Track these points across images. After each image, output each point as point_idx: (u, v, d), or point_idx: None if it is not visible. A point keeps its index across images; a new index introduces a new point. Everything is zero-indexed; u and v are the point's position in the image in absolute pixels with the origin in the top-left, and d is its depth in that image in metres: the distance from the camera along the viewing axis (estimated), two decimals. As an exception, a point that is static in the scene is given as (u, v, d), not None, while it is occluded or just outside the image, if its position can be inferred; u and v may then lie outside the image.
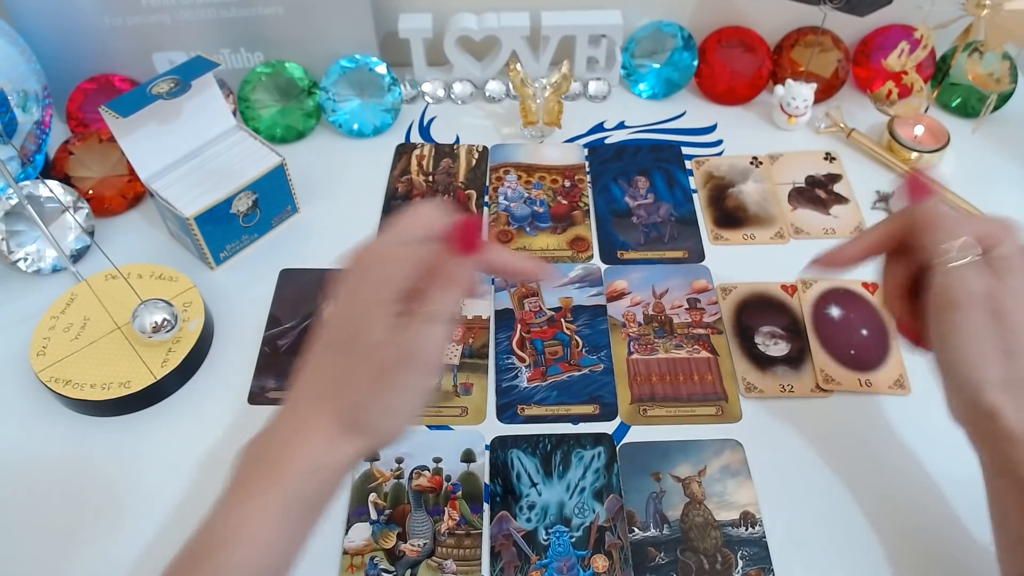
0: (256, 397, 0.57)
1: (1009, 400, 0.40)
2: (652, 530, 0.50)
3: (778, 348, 0.59)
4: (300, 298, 0.64)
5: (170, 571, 0.38)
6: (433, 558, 0.49)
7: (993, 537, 0.42)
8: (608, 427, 0.55)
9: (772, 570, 0.48)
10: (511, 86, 0.77)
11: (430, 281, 0.38)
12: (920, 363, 0.58)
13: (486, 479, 0.53)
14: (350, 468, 0.40)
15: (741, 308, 0.62)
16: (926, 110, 0.76)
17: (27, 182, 0.64)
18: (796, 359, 0.59)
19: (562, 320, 0.62)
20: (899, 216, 0.45)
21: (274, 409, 0.41)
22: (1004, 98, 0.77)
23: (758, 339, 0.60)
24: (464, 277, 0.39)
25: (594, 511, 0.51)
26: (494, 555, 0.49)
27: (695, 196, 0.72)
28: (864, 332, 0.60)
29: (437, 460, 0.54)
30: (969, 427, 0.43)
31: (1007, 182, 0.73)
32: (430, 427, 0.56)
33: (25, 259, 0.64)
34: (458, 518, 0.51)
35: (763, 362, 0.59)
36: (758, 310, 0.62)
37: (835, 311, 0.62)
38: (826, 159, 0.75)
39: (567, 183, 0.73)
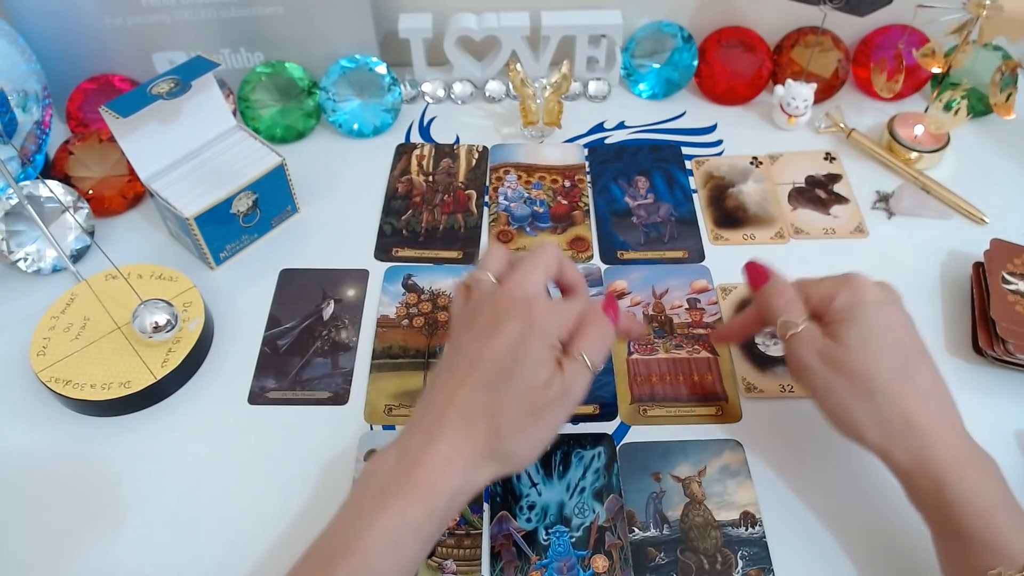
0: (256, 397, 0.57)
1: (887, 440, 0.44)
2: (652, 530, 0.50)
3: (778, 348, 0.59)
4: (300, 298, 0.64)
5: (301, 569, 0.40)
6: (433, 558, 0.49)
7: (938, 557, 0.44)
8: (608, 427, 0.55)
9: (772, 570, 0.48)
10: (511, 86, 0.77)
11: (581, 331, 0.44)
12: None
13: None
14: (480, 491, 0.43)
15: (741, 308, 0.62)
16: (926, 110, 0.76)
17: (27, 182, 0.64)
18: None
19: (562, 320, 0.62)
20: (754, 303, 0.51)
21: (405, 426, 0.44)
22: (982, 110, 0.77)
23: (758, 339, 0.60)
24: (611, 336, 0.46)
25: (594, 511, 0.51)
26: (494, 555, 0.49)
27: (695, 196, 0.72)
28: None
29: (437, 460, 0.54)
30: (890, 464, 0.45)
31: (1007, 182, 0.73)
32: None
33: (25, 259, 0.64)
34: (458, 518, 0.51)
35: (763, 362, 0.59)
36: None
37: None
38: (826, 159, 0.75)
39: (567, 183, 0.73)
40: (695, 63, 0.80)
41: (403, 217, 0.70)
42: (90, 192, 0.68)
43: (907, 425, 0.43)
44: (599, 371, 0.44)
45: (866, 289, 0.46)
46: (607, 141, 0.77)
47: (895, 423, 0.43)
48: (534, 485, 0.52)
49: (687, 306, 0.63)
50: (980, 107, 0.78)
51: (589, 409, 0.56)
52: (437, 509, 0.40)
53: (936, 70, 0.71)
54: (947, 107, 0.71)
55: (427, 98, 0.82)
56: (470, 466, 0.41)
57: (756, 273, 0.51)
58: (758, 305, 0.50)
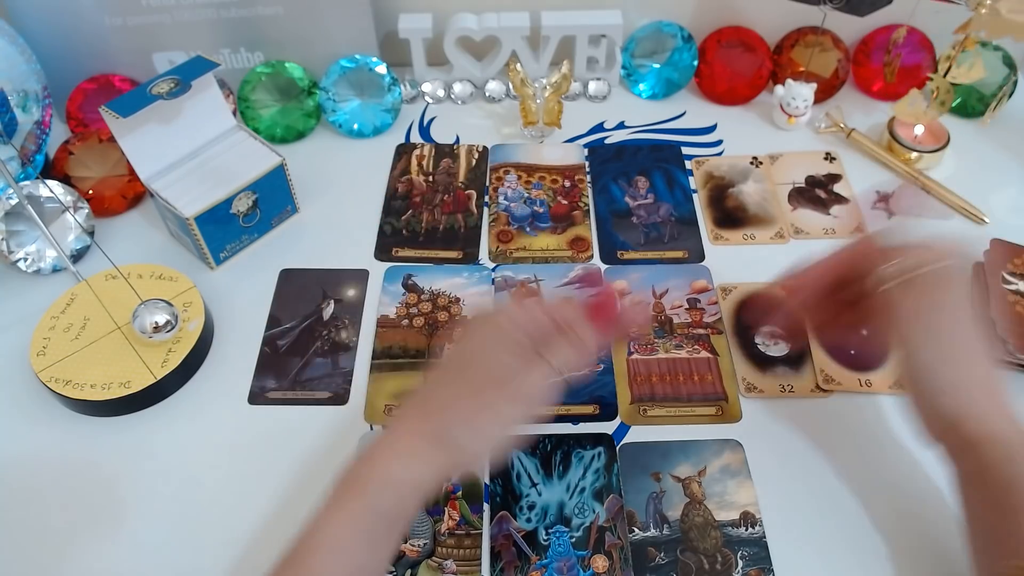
0: (256, 397, 0.57)
1: (964, 407, 0.43)
2: (652, 530, 0.50)
3: (778, 348, 0.59)
4: (300, 298, 0.64)
5: None
6: (433, 558, 0.49)
7: (969, 541, 0.44)
8: (608, 427, 0.55)
9: (772, 570, 0.48)
10: (511, 86, 0.77)
11: (559, 337, 0.43)
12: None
13: (486, 479, 0.53)
14: (431, 485, 0.41)
15: (741, 308, 0.62)
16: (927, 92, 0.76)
17: (27, 182, 0.64)
18: (796, 359, 0.59)
19: (562, 320, 0.62)
20: (844, 248, 0.49)
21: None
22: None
23: (758, 339, 0.60)
24: (591, 346, 0.43)
25: (594, 511, 0.51)
26: (494, 555, 0.49)
27: (695, 196, 0.72)
28: (864, 332, 0.60)
29: (437, 460, 0.54)
30: (943, 442, 0.44)
31: (1007, 182, 0.73)
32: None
33: (25, 259, 0.64)
34: (458, 518, 0.51)
35: (763, 362, 0.59)
36: (757, 311, 0.62)
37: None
38: (826, 159, 0.75)
39: (567, 183, 0.73)
40: (695, 63, 0.80)
41: (403, 217, 0.70)
42: (90, 192, 0.68)
43: (987, 395, 0.43)
44: (566, 377, 0.42)
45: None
46: (607, 141, 0.77)
47: (975, 392, 0.43)
48: (534, 485, 0.52)
49: (687, 306, 0.63)
50: (980, 107, 0.78)
51: (589, 409, 0.56)
52: (379, 505, 0.39)
53: (962, 81, 0.71)
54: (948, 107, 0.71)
55: (427, 98, 0.82)
56: (413, 456, 0.40)
57: (602, 311, 0.48)
58: (853, 252, 0.48)
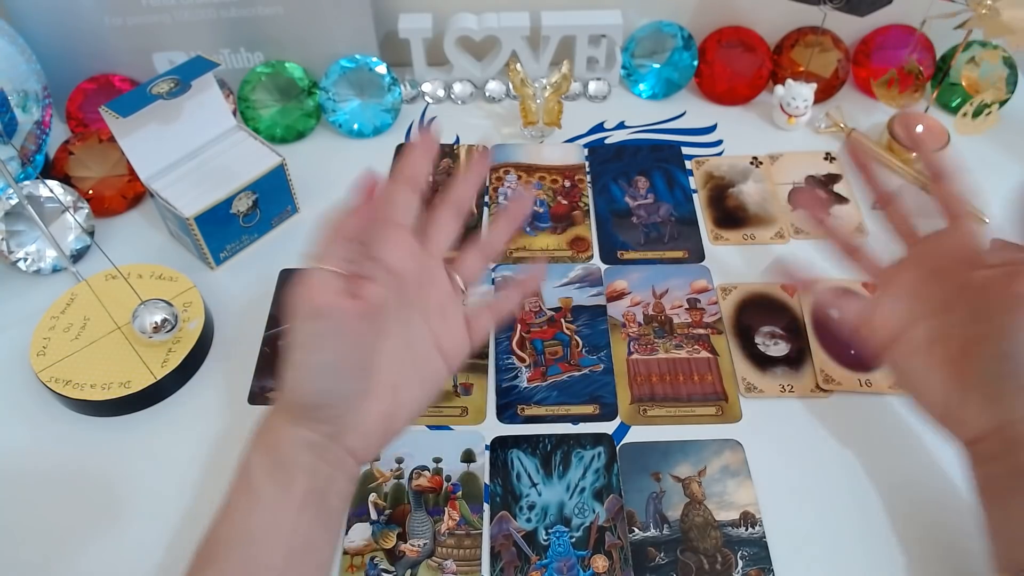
0: (256, 397, 0.57)
1: (997, 388, 0.42)
2: (652, 530, 0.50)
3: (778, 348, 0.59)
4: (300, 298, 0.64)
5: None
6: (433, 558, 0.49)
7: (991, 537, 0.43)
8: (608, 427, 0.55)
9: (772, 570, 0.48)
10: (511, 86, 0.77)
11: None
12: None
13: (486, 479, 0.53)
14: (302, 441, 0.38)
15: (741, 308, 0.62)
16: (926, 110, 0.76)
17: (27, 182, 0.64)
18: (796, 359, 0.59)
19: (562, 320, 0.62)
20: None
21: None
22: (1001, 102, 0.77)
23: (758, 339, 0.60)
24: (334, 224, 0.39)
25: (594, 511, 0.51)
26: (494, 555, 0.49)
27: (695, 196, 0.72)
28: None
29: (437, 460, 0.54)
30: (984, 445, 0.43)
31: (1007, 182, 0.72)
32: (430, 427, 0.56)
33: (25, 259, 0.64)
34: (458, 518, 0.51)
35: (763, 362, 0.59)
36: (758, 310, 0.62)
37: (835, 311, 0.61)
38: (826, 159, 0.75)
39: (567, 183, 0.73)
40: (695, 63, 0.80)
41: (403, 217, 0.70)
42: (90, 192, 0.68)
43: (1016, 375, 0.42)
44: (330, 267, 0.37)
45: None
46: (607, 141, 0.77)
47: (1007, 374, 0.43)
48: (534, 485, 0.52)
49: (687, 306, 0.63)
50: (980, 107, 0.77)
51: (589, 409, 0.56)
52: (255, 483, 0.38)
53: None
54: (977, 113, 0.71)
55: (427, 98, 0.82)
56: (269, 423, 0.39)
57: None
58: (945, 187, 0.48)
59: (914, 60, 0.74)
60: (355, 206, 0.40)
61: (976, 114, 0.71)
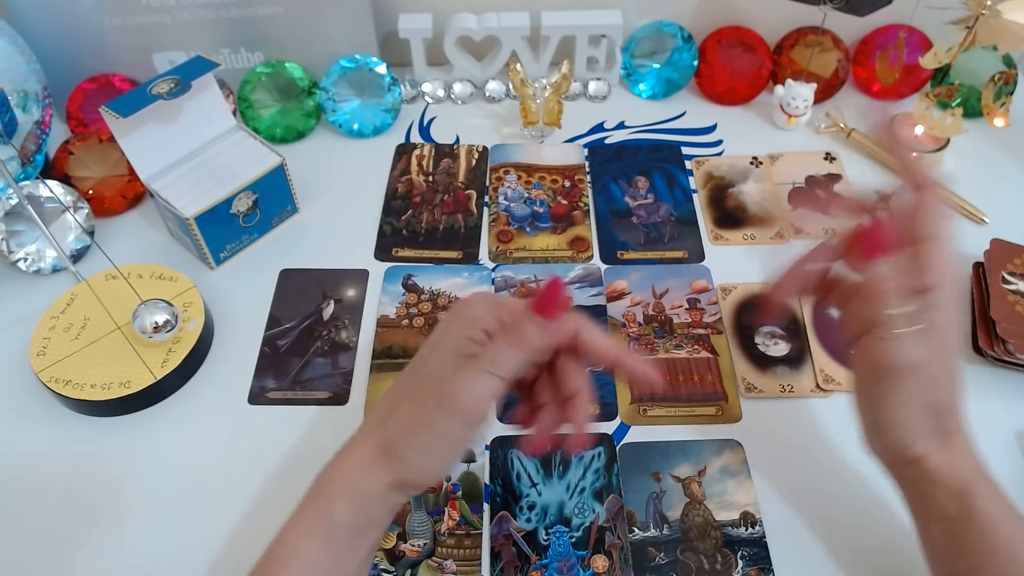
0: (256, 397, 0.58)
1: (934, 447, 0.41)
2: (652, 530, 0.50)
3: (778, 348, 0.59)
4: (300, 298, 0.64)
5: None
6: (433, 558, 0.49)
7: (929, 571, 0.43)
8: (608, 427, 0.55)
9: (772, 570, 0.48)
10: (511, 86, 0.77)
11: (498, 334, 0.39)
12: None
13: (486, 479, 0.53)
14: (389, 499, 0.39)
15: (741, 308, 0.62)
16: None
17: (27, 182, 0.64)
18: (796, 359, 0.59)
19: (562, 320, 0.62)
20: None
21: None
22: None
23: (758, 339, 0.60)
24: (531, 337, 0.38)
25: (594, 511, 0.51)
26: (494, 555, 0.49)
27: (695, 196, 0.72)
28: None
29: (437, 460, 0.54)
30: (889, 468, 0.43)
31: (1006, 182, 0.73)
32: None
33: (25, 259, 0.64)
34: (458, 518, 0.51)
35: (763, 362, 0.59)
36: (758, 311, 0.62)
37: (835, 311, 0.61)
38: (826, 159, 0.75)
39: (567, 183, 0.73)
40: (695, 63, 0.80)
41: (403, 217, 0.70)
42: (90, 192, 0.68)
43: (957, 429, 0.41)
44: (506, 378, 0.37)
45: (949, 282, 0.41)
46: (607, 141, 0.77)
47: (950, 426, 0.41)
48: (534, 485, 0.52)
49: (687, 306, 0.63)
50: (980, 107, 0.77)
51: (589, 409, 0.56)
52: (338, 516, 0.38)
53: (936, 65, 0.71)
54: (941, 105, 0.71)
55: (427, 98, 0.82)
56: (366, 466, 0.39)
57: (876, 241, 0.42)
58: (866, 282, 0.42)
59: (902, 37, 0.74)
60: (537, 321, 0.38)
61: (940, 106, 0.71)
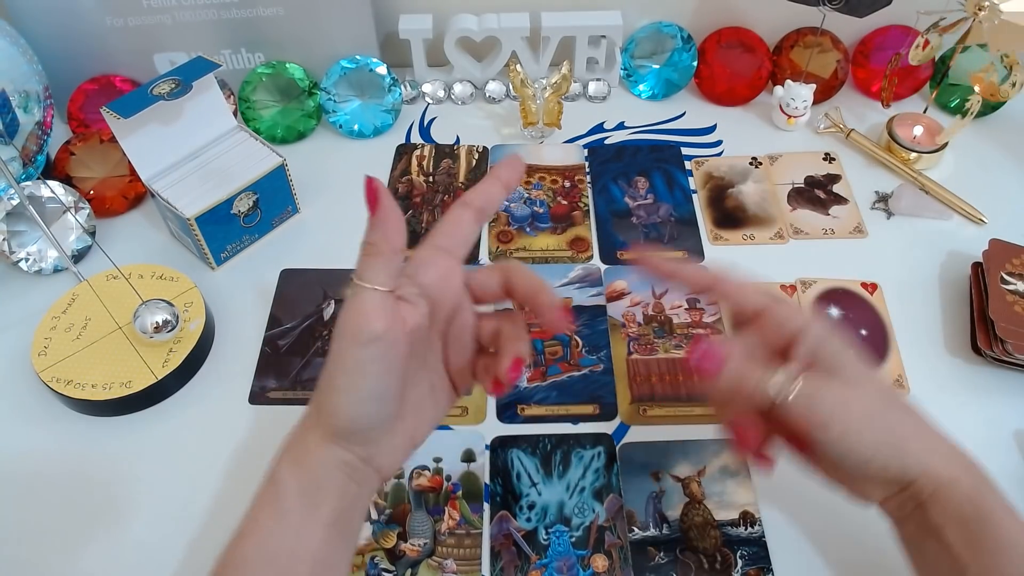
0: (257, 397, 0.58)
1: (925, 452, 0.39)
2: (652, 530, 0.50)
3: None
4: (301, 298, 0.64)
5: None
6: (433, 558, 0.49)
7: None
8: (608, 427, 0.56)
9: (771, 570, 0.48)
10: (511, 87, 0.78)
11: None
12: (919, 363, 0.58)
13: (486, 479, 0.53)
14: (331, 455, 0.37)
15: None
16: (925, 110, 0.76)
17: (28, 182, 0.64)
18: None
19: (562, 320, 0.62)
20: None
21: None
22: (992, 106, 0.77)
23: None
24: (369, 237, 0.37)
25: (594, 511, 0.51)
26: (494, 555, 0.50)
27: (695, 196, 0.72)
28: (863, 332, 0.60)
29: (437, 460, 0.54)
30: (894, 507, 0.41)
31: (1006, 182, 0.73)
32: (430, 427, 0.56)
33: (26, 259, 0.64)
34: (458, 518, 0.51)
35: None
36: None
37: (834, 311, 0.62)
38: (825, 160, 0.75)
39: (567, 183, 0.73)
40: (695, 64, 0.80)
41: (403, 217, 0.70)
42: (91, 192, 0.69)
43: (937, 434, 0.40)
44: (378, 287, 0.36)
45: (818, 320, 0.41)
46: (607, 141, 0.77)
47: (927, 433, 0.40)
48: (534, 485, 0.53)
49: (686, 306, 0.63)
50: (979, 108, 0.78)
51: (589, 409, 0.57)
52: (281, 477, 0.37)
53: (919, 61, 0.71)
54: (947, 107, 0.71)
55: (427, 99, 0.82)
56: (303, 428, 0.38)
57: (709, 361, 0.40)
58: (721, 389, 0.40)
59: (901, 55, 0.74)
60: (389, 217, 0.38)
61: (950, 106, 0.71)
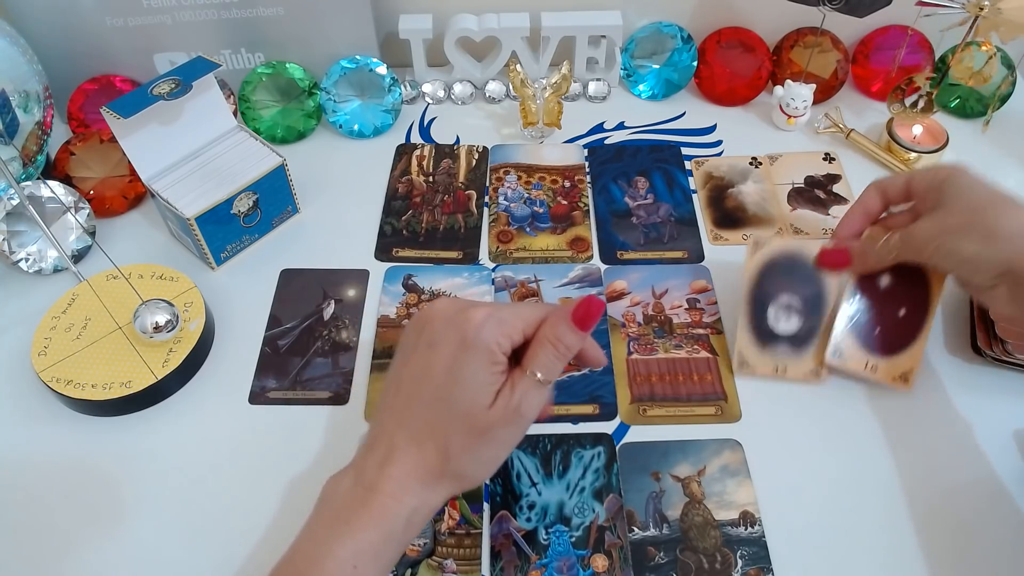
0: (256, 397, 0.58)
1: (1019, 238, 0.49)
2: (652, 530, 0.50)
3: (789, 324, 0.57)
4: (301, 298, 0.64)
5: None
6: (433, 557, 0.49)
7: None
8: (608, 427, 0.56)
9: (771, 570, 0.48)
10: (511, 87, 0.78)
11: (534, 342, 0.42)
12: (931, 365, 0.58)
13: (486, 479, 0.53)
14: (437, 508, 0.42)
15: (767, 270, 0.59)
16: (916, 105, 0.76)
17: (28, 182, 0.64)
18: (803, 338, 0.57)
19: (562, 320, 0.62)
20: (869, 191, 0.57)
21: (361, 446, 0.43)
22: (1004, 97, 0.77)
23: (771, 310, 0.58)
24: (572, 344, 0.42)
25: (594, 511, 0.51)
26: (494, 555, 0.50)
27: (695, 196, 0.72)
28: (901, 312, 0.57)
29: (437, 460, 0.54)
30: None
31: (1006, 182, 0.72)
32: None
33: (26, 259, 0.64)
34: (458, 517, 0.51)
35: (766, 338, 0.57)
36: (785, 275, 0.58)
37: (885, 280, 0.57)
38: (825, 160, 0.75)
39: (567, 183, 0.73)
40: (695, 64, 0.80)
41: (403, 217, 0.70)
42: (91, 192, 0.69)
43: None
44: (551, 382, 0.41)
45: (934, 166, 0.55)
46: (607, 141, 0.77)
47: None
48: (534, 485, 0.53)
49: (686, 306, 0.63)
50: (979, 108, 0.78)
51: (589, 409, 0.57)
52: (395, 533, 0.40)
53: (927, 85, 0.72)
54: (947, 107, 0.71)
55: (427, 99, 0.82)
56: (424, 487, 0.41)
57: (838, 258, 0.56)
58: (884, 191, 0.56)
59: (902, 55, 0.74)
60: (591, 342, 0.44)
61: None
